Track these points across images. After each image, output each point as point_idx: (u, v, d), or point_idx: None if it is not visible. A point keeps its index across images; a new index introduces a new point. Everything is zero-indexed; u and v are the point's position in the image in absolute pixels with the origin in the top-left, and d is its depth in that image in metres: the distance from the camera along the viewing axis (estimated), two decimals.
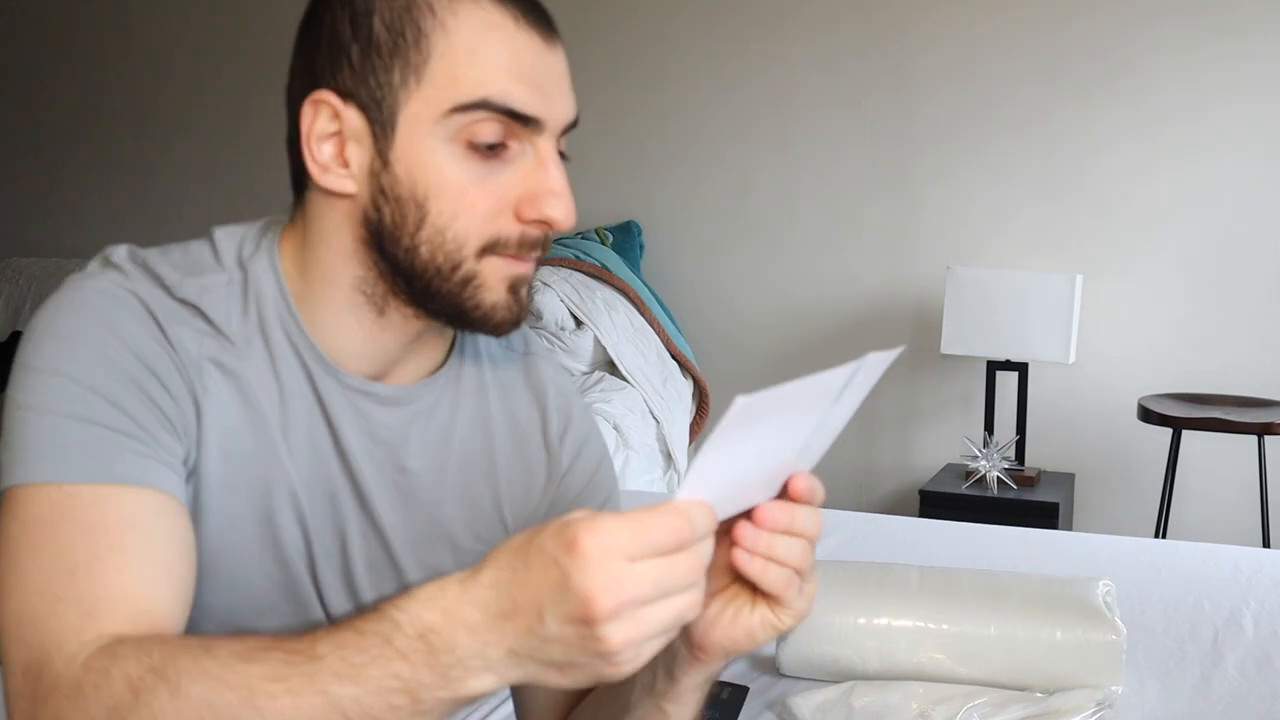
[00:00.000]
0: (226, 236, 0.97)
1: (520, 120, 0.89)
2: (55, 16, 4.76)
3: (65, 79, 4.77)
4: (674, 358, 3.91)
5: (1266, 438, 3.33)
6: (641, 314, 3.89)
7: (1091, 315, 3.65)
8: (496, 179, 0.90)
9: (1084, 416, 3.76)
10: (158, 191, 4.66)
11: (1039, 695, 1.47)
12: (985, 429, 3.65)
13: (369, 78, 0.89)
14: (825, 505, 0.91)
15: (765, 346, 4.06)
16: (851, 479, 3.94)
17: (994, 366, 3.65)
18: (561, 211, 0.91)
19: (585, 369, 3.75)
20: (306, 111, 0.91)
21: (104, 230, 4.74)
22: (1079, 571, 1.82)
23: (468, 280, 0.91)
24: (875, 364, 0.81)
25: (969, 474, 3.54)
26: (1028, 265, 3.72)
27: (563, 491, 1.08)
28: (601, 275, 3.87)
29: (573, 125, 0.94)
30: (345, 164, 0.91)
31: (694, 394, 3.97)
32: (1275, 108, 3.54)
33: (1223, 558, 2.15)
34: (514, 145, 0.90)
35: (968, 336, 3.57)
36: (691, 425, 3.94)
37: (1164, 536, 3.45)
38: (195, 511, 0.92)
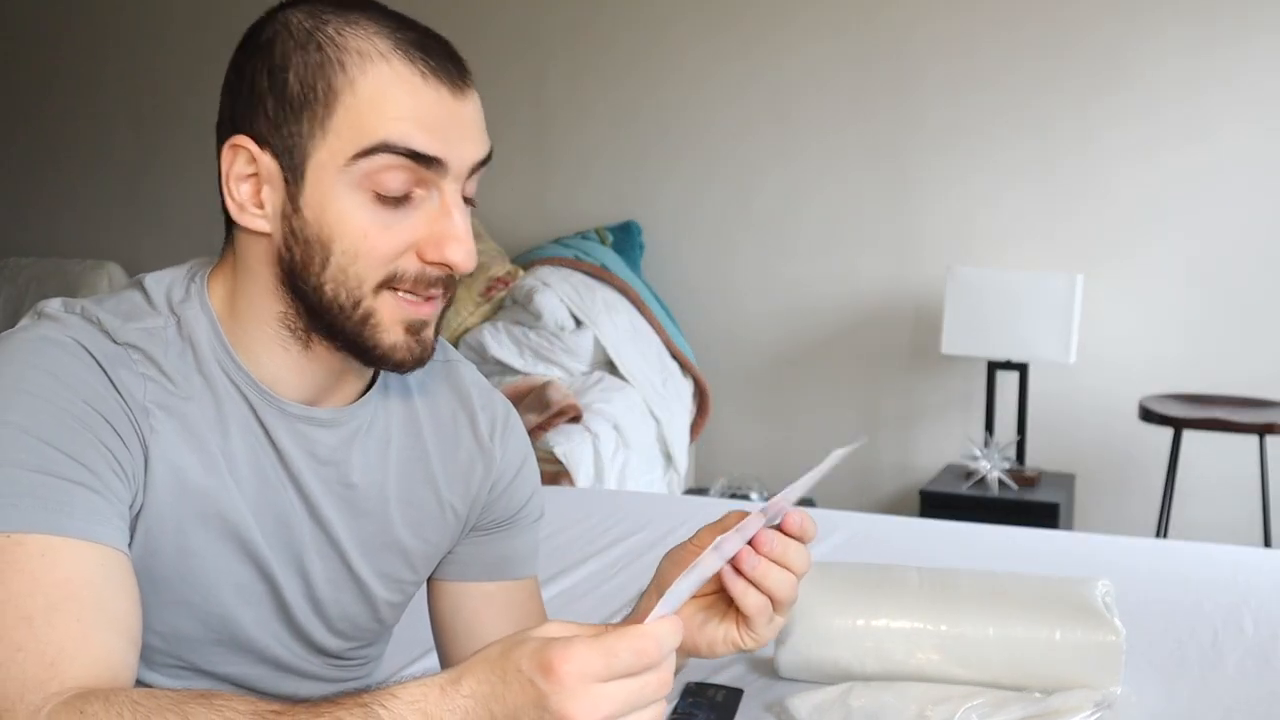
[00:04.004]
0: (156, 283, 1.01)
1: (423, 162, 0.93)
2: (51, 16, 4.76)
3: (61, 78, 4.77)
4: (674, 357, 3.91)
5: (1267, 437, 3.33)
6: (641, 314, 3.89)
7: (1091, 315, 3.64)
8: (400, 224, 0.95)
9: (1084, 416, 3.76)
10: (155, 189, 4.66)
11: (1038, 696, 1.47)
12: (986, 429, 3.65)
13: (282, 127, 0.94)
14: (826, 505, 0.95)
15: (765, 346, 4.06)
16: (852, 479, 3.94)
17: (994, 366, 3.64)
18: (461, 255, 0.95)
19: (585, 369, 3.75)
20: (226, 154, 0.96)
21: (102, 228, 4.74)
22: (1079, 571, 1.81)
23: (366, 318, 0.96)
24: (835, 457, 0.91)
25: (969, 474, 3.54)
26: (1028, 265, 3.72)
27: (497, 480, 1.15)
28: (601, 275, 3.86)
29: (484, 163, 0.98)
30: (261, 205, 0.96)
31: (694, 394, 3.97)
32: (1275, 110, 3.54)
33: (1223, 558, 2.14)
34: (419, 192, 0.95)
35: (968, 336, 3.56)
36: (692, 425, 3.94)
37: (1164, 536, 3.44)
38: (149, 549, 0.95)
